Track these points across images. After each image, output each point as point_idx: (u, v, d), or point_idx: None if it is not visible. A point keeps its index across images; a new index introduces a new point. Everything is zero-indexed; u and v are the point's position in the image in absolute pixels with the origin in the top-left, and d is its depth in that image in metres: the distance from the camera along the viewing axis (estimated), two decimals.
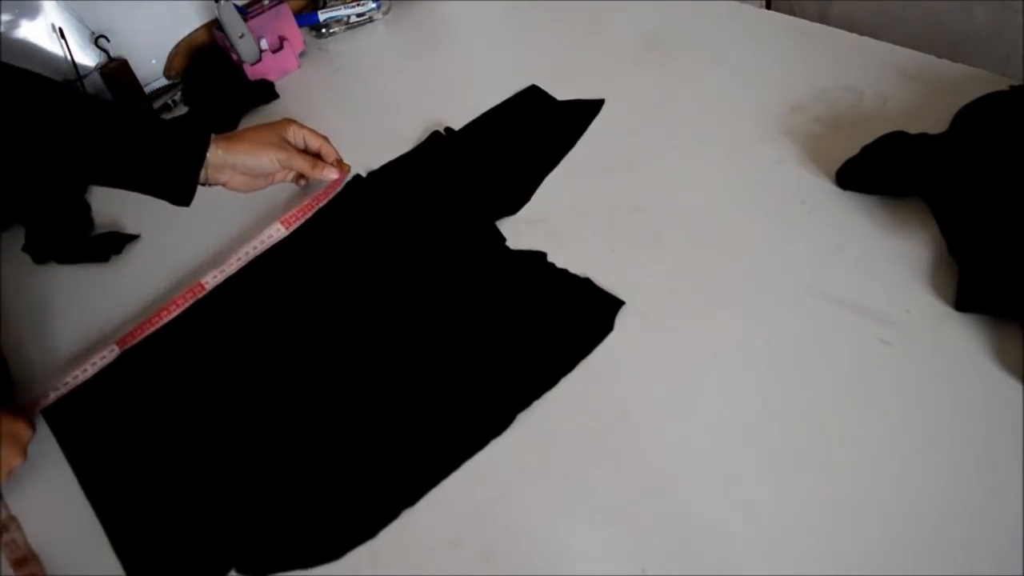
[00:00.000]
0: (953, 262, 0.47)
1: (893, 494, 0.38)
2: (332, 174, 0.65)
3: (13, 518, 0.50)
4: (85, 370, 0.57)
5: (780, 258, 0.51)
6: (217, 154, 0.58)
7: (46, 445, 0.53)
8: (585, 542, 0.40)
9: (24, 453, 0.51)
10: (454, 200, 0.64)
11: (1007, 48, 0.85)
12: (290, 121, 0.64)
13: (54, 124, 0.53)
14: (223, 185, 0.61)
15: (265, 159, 0.61)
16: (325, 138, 0.65)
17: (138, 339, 0.59)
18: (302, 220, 0.65)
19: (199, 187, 0.59)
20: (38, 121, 0.53)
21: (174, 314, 0.60)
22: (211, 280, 0.62)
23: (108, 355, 0.58)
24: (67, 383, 0.56)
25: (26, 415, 0.53)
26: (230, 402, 0.53)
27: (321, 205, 0.66)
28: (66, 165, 0.56)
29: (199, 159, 0.57)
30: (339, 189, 0.67)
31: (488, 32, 0.91)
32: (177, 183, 0.57)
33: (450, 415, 0.47)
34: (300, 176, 0.66)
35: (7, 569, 0.46)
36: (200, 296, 0.61)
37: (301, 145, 0.64)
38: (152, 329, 0.59)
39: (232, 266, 0.63)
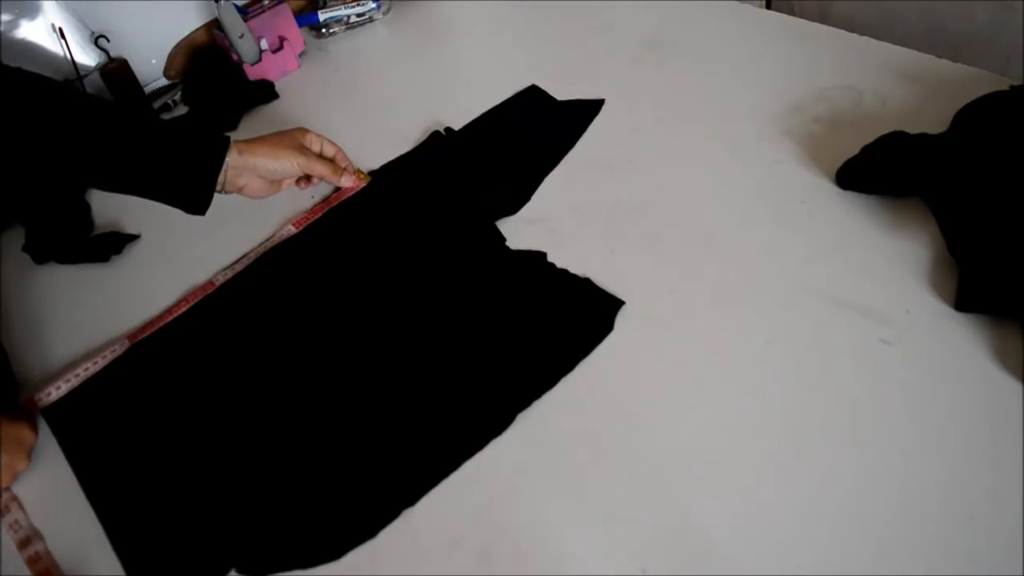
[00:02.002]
0: (953, 262, 0.47)
1: (893, 494, 0.38)
2: (349, 181, 0.67)
3: (14, 498, 0.50)
4: (96, 362, 0.57)
5: (780, 258, 0.51)
6: (237, 158, 0.58)
7: (46, 444, 0.53)
8: (585, 542, 0.39)
9: (28, 457, 0.51)
10: (454, 200, 0.64)
11: (1007, 48, 0.85)
12: (305, 129, 0.65)
13: (68, 131, 0.53)
14: (240, 191, 0.61)
15: (287, 162, 0.61)
16: (339, 147, 0.66)
17: (147, 333, 0.59)
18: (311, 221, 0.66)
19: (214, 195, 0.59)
20: (51, 128, 0.53)
21: (183, 310, 0.60)
22: (221, 279, 0.62)
23: (119, 349, 0.58)
24: (77, 375, 0.57)
25: (30, 419, 0.53)
26: (230, 402, 0.53)
27: (330, 208, 0.67)
28: (79, 171, 0.56)
29: (217, 164, 0.57)
30: (348, 196, 0.68)
31: (488, 32, 0.91)
32: (194, 190, 0.57)
33: (450, 415, 0.47)
34: (304, 180, 0.66)
35: (13, 551, 0.47)
36: (204, 295, 0.61)
37: (318, 151, 0.65)
38: (161, 324, 0.60)
39: (241, 264, 0.63)
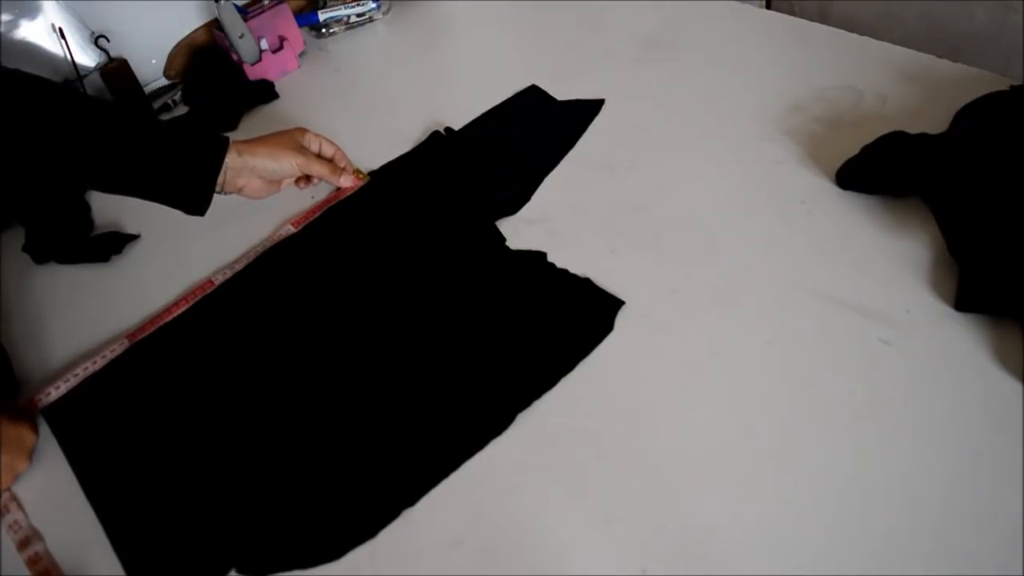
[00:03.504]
0: (953, 262, 0.47)
1: (893, 494, 0.38)
2: (348, 181, 0.67)
3: (14, 498, 0.50)
4: (95, 362, 0.57)
5: (780, 258, 0.51)
6: (236, 159, 0.58)
7: (46, 444, 0.53)
8: (585, 542, 0.39)
9: (29, 458, 0.51)
10: (454, 200, 0.64)
11: (1007, 48, 0.85)
12: (304, 128, 0.65)
13: (68, 133, 0.53)
14: (239, 192, 0.61)
15: (286, 163, 0.61)
16: (338, 147, 0.66)
17: (147, 333, 0.59)
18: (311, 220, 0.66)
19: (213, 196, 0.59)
20: (50, 130, 0.53)
21: (183, 309, 0.60)
22: (220, 278, 0.62)
23: (118, 349, 0.58)
24: (76, 374, 0.57)
25: (31, 420, 0.53)
26: (230, 402, 0.53)
27: (329, 207, 0.67)
28: (79, 173, 0.56)
29: (217, 165, 0.57)
30: (348, 196, 0.68)
31: (488, 32, 0.91)
32: (193, 191, 0.57)
33: (450, 415, 0.47)
34: (304, 180, 0.66)
35: (13, 552, 0.46)
36: (204, 294, 0.61)
37: (317, 151, 0.65)
38: (160, 323, 0.60)
39: (241, 263, 0.63)
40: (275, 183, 0.63)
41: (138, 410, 0.54)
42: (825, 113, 0.62)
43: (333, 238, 0.64)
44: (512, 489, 0.43)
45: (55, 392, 0.56)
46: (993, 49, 0.86)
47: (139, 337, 0.59)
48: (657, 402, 0.45)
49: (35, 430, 0.53)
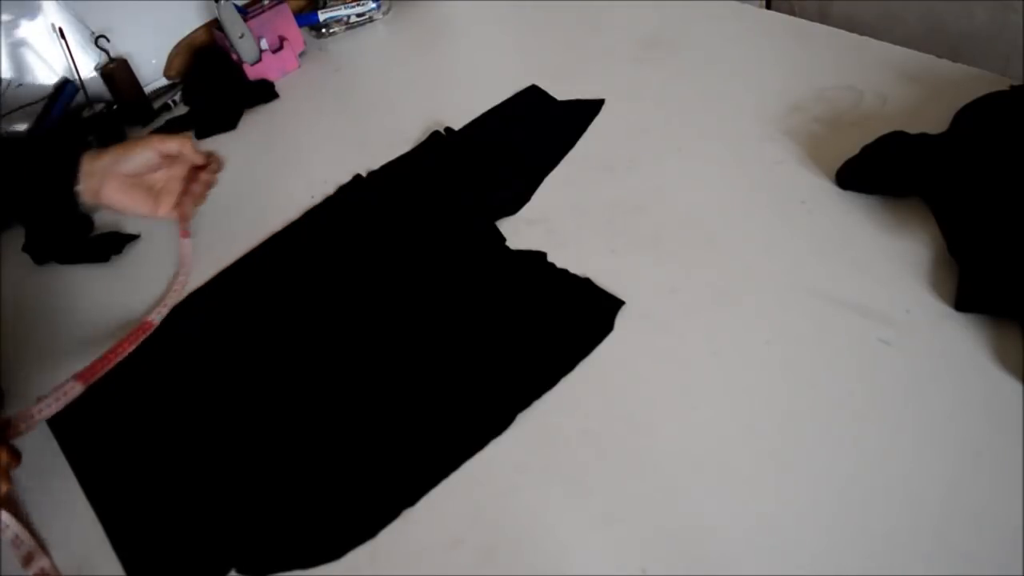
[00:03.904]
0: (953, 262, 0.47)
1: (893, 494, 0.38)
2: (200, 158, 0.63)
3: (14, 516, 0.49)
4: (50, 404, 0.49)
5: (780, 258, 0.51)
6: (88, 162, 0.58)
7: (46, 445, 0.53)
8: (585, 542, 0.39)
9: (8, 480, 0.46)
10: (454, 200, 0.64)
11: (1007, 48, 0.85)
12: None
13: None
14: (98, 196, 0.59)
15: (140, 151, 0.60)
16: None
17: (98, 375, 0.51)
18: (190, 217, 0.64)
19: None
20: None
21: (124, 355, 0.54)
22: (157, 317, 0.58)
23: (70, 391, 0.49)
24: (66, 392, 0.49)
25: (5, 441, 0.47)
26: (230, 402, 0.53)
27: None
28: None
29: (74, 167, 0.57)
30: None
31: (488, 32, 0.91)
32: (57, 198, 0.57)
33: (450, 415, 0.47)
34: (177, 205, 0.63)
35: (16, 567, 0.46)
36: (182, 301, 0.60)
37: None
38: (108, 367, 0.52)
39: (173, 297, 0.61)
40: (143, 187, 0.61)
41: (138, 411, 0.54)
42: (825, 113, 0.62)
43: (333, 238, 0.64)
44: (512, 489, 0.43)
45: (47, 410, 0.49)
46: (993, 49, 0.86)
47: (97, 375, 0.51)
48: (657, 402, 0.45)
49: (13, 453, 0.47)
